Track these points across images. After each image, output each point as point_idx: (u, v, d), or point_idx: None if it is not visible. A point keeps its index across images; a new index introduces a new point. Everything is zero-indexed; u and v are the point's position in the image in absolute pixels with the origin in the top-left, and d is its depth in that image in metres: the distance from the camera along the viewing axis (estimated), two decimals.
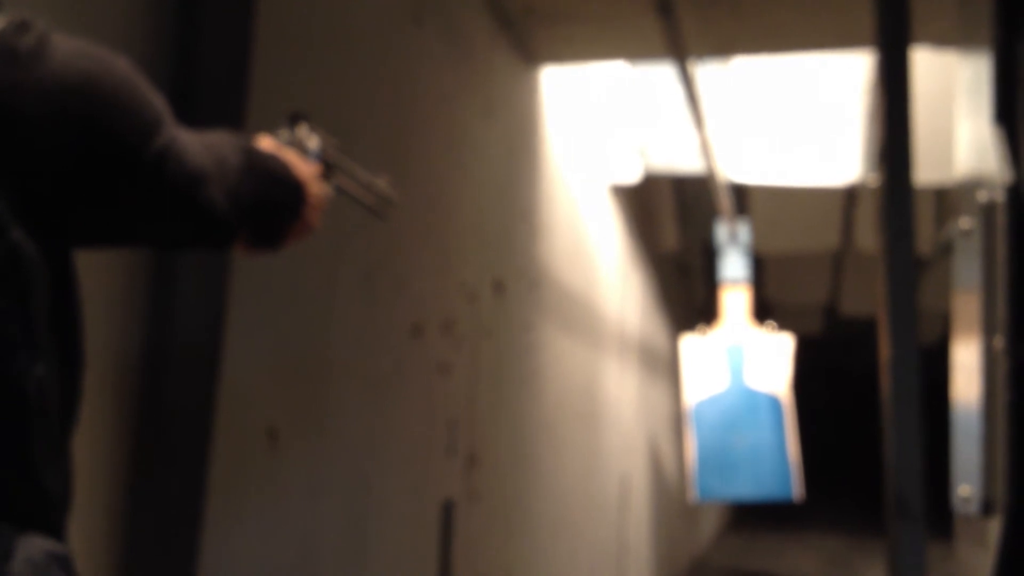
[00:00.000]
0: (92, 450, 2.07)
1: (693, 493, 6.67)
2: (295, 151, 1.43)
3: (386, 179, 1.61)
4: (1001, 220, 1.42)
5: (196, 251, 1.33)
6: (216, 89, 2.29)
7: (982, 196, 1.47)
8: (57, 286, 1.07)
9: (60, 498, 1.11)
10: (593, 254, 5.83)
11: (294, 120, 1.48)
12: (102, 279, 2.07)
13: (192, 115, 2.26)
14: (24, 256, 1.00)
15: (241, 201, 1.22)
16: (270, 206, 1.31)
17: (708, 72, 5.44)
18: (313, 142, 1.48)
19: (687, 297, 10.04)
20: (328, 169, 1.51)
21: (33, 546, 1.03)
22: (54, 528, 1.09)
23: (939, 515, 2.15)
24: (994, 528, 1.53)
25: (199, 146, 1.16)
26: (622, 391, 6.71)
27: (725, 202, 6.15)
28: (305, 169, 1.39)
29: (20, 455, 1.03)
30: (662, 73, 5.65)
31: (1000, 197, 1.43)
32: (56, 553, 1.06)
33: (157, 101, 1.10)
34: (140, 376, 2.20)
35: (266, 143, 1.39)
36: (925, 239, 6.28)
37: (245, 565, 2.37)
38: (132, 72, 1.09)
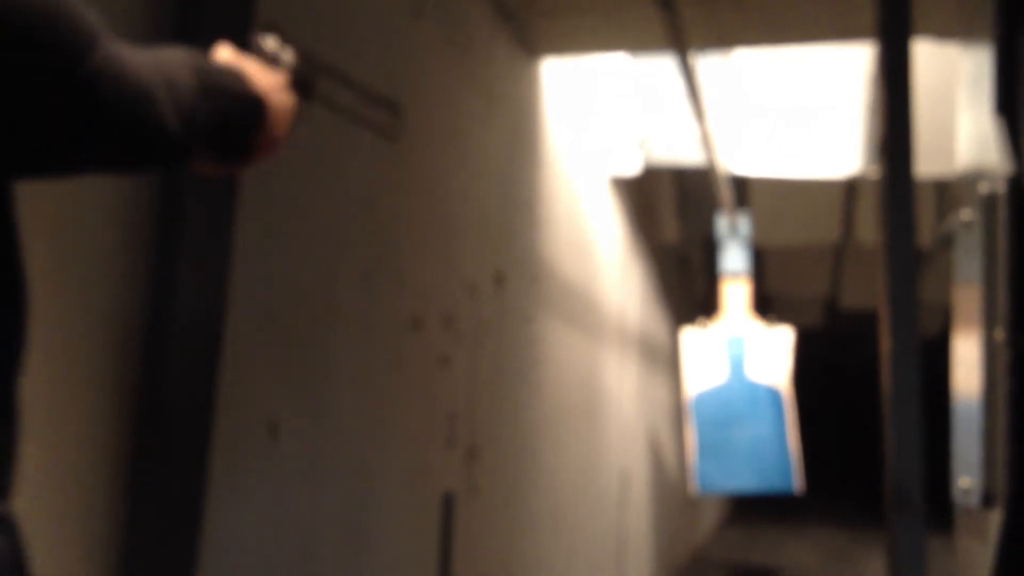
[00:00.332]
0: (92, 441, 2.07)
1: (694, 485, 6.68)
2: (261, 61, 1.35)
3: (390, 100, 1.49)
4: (1002, 211, 1.41)
5: (148, 170, 1.23)
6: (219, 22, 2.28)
7: (983, 188, 1.46)
8: None
9: (2, 454, 1.03)
10: (593, 247, 5.83)
11: (265, 30, 1.39)
12: (102, 269, 2.06)
13: None
14: None
15: (195, 122, 1.14)
16: (229, 125, 1.23)
17: (709, 64, 5.43)
18: (286, 54, 1.39)
19: (687, 290, 10.04)
20: (306, 82, 1.40)
21: None
22: None
23: (939, 509, 2.15)
24: (994, 520, 1.53)
25: (147, 66, 1.08)
26: (622, 384, 6.71)
27: (726, 194, 6.15)
28: (266, 80, 1.31)
29: None
30: (663, 65, 5.65)
31: (1001, 188, 1.42)
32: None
33: (90, 16, 1.02)
34: (140, 367, 2.20)
35: (225, 53, 1.32)
36: (925, 232, 6.28)
37: (245, 556, 2.37)
38: None
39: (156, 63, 1.11)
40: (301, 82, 1.40)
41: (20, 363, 1.07)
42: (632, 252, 7.05)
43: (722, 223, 6.93)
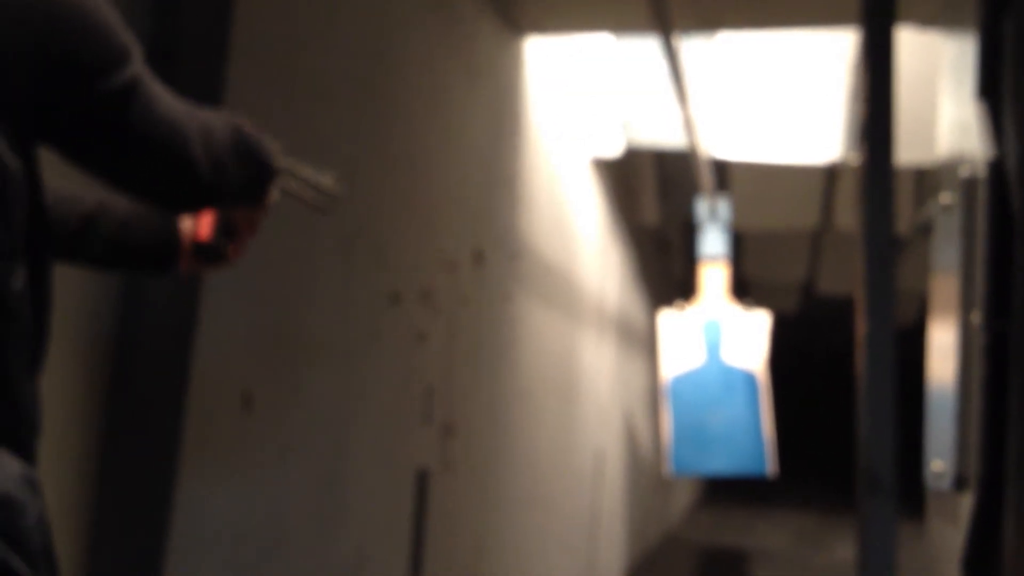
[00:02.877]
0: (65, 410, 2.06)
1: (668, 467, 6.71)
2: None
3: (332, 176, 1.57)
4: (982, 194, 1.42)
5: (179, 209, 1.31)
6: (196, 48, 2.26)
7: (964, 171, 1.47)
8: (33, 213, 1.06)
9: (33, 421, 1.10)
10: (573, 226, 5.83)
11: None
12: None
13: (172, 74, 2.24)
14: (5, 164, 0.98)
15: (226, 177, 1.20)
16: (252, 191, 1.31)
17: (693, 46, 5.42)
18: None
19: (666, 272, 10.06)
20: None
21: (9, 464, 1.02)
22: (26, 450, 1.08)
23: (909, 495, 2.17)
24: (965, 505, 1.55)
25: (179, 105, 1.14)
26: (599, 364, 6.73)
27: (706, 178, 6.15)
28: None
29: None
30: (647, 47, 5.63)
31: (982, 172, 1.42)
32: (27, 476, 1.06)
33: (128, 39, 1.07)
34: (114, 338, 2.19)
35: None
36: (904, 219, 6.30)
37: (217, 528, 2.37)
38: (100, 2, 1.06)
39: (192, 110, 1.17)
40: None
41: (44, 356, 1.13)
42: (612, 233, 7.06)
43: (702, 206, 6.93)
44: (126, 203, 1.33)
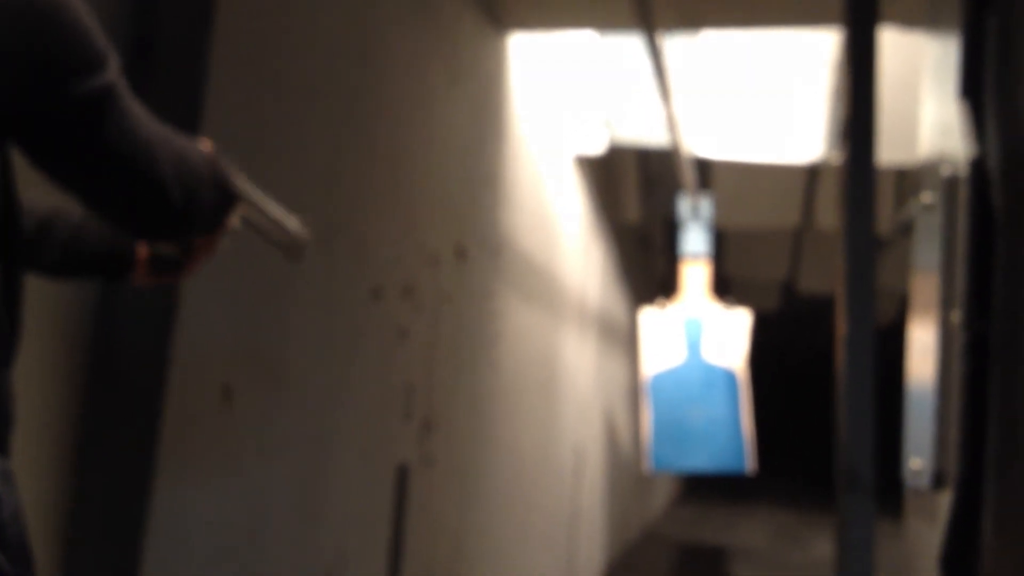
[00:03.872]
0: (42, 403, 2.04)
1: (648, 463, 6.72)
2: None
3: (298, 219, 1.55)
4: (963, 193, 1.42)
5: (145, 234, 1.29)
6: (176, 46, 2.25)
7: (945, 170, 1.47)
8: (2, 210, 1.04)
9: (5, 413, 1.10)
10: (556, 224, 5.83)
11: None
12: None
13: (154, 74, 2.23)
14: None
15: (197, 204, 1.19)
16: (215, 219, 1.31)
17: (676, 45, 5.43)
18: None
19: (648, 270, 10.07)
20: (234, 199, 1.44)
21: None
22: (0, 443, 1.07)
23: (887, 495, 2.18)
24: (944, 502, 1.55)
25: (155, 127, 1.12)
26: (580, 361, 6.73)
27: (688, 176, 6.16)
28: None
29: None
30: (630, 44, 5.64)
31: (963, 171, 1.43)
32: (2, 468, 1.07)
33: (105, 46, 1.06)
34: (92, 328, 2.17)
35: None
36: (884, 219, 6.34)
37: (196, 523, 2.36)
38: (79, 5, 1.04)
39: (169, 135, 1.15)
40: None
41: (16, 350, 1.13)
42: (594, 231, 7.06)
43: (684, 204, 6.95)
44: (80, 211, 1.31)
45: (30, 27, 0.98)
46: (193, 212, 1.19)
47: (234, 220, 1.39)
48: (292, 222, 1.53)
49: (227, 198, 1.30)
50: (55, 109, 1.02)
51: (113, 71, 1.06)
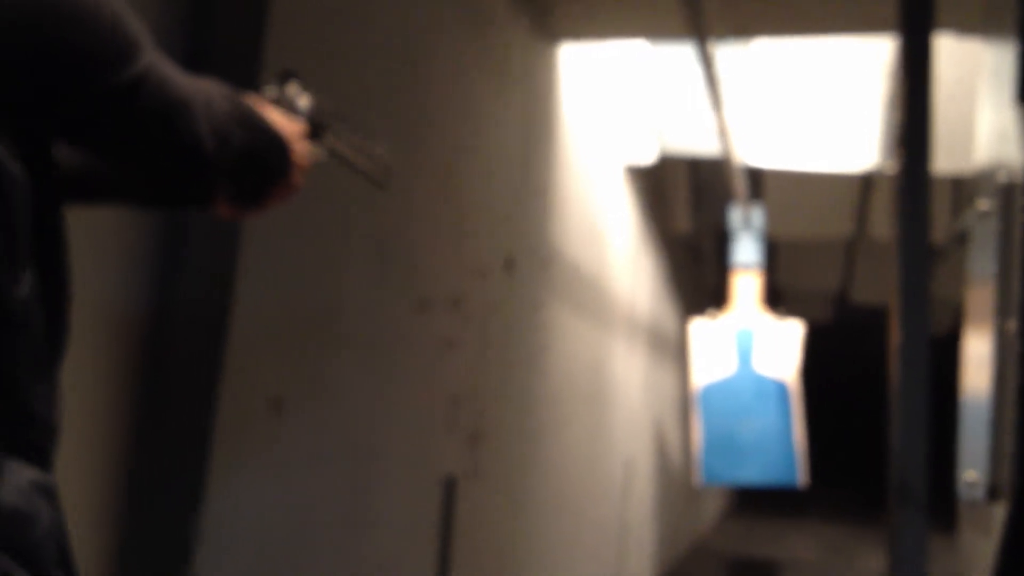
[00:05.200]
0: (96, 411, 2.07)
1: (698, 476, 6.67)
2: (281, 109, 1.37)
3: (383, 146, 1.55)
4: (1020, 200, 1.39)
5: (183, 205, 1.28)
6: (229, 58, 2.27)
7: (1002, 177, 1.44)
8: (42, 213, 1.04)
9: (47, 424, 1.06)
10: (605, 234, 5.81)
11: (283, 78, 1.42)
12: (112, 239, 2.06)
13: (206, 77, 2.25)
14: (6, 172, 0.97)
15: (229, 147, 1.17)
16: (257, 159, 1.26)
17: (727, 53, 5.40)
18: (303, 100, 1.42)
19: (698, 281, 10.01)
20: (318, 130, 1.44)
21: (17, 473, 0.99)
22: (40, 455, 1.05)
23: (940, 508, 2.14)
24: (998, 514, 1.52)
25: (188, 83, 1.11)
26: (629, 373, 6.70)
27: (740, 186, 6.12)
28: (290, 127, 1.34)
29: (4, 373, 0.99)
30: (681, 53, 5.61)
31: (1020, 178, 1.40)
32: (40, 482, 1.02)
33: (135, 24, 1.04)
34: (146, 340, 2.20)
35: (249, 99, 1.33)
36: (940, 228, 6.24)
37: (245, 532, 2.37)
38: None
39: (196, 83, 1.14)
40: (315, 129, 1.44)
41: (64, 351, 1.10)
42: (644, 241, 7.03)
43: (735, 214, 6.90)
44: None
45: (62, 27, 0.97)
46: (226, 154, 1.17)
47: (317, 151, 1.38)
48: (378, 149, 1.53)
49: (263, 134, 1.27)
50: (94, 102, 1.01)
51: (147, 52, 1.05)
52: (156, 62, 1.06)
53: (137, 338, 2.17)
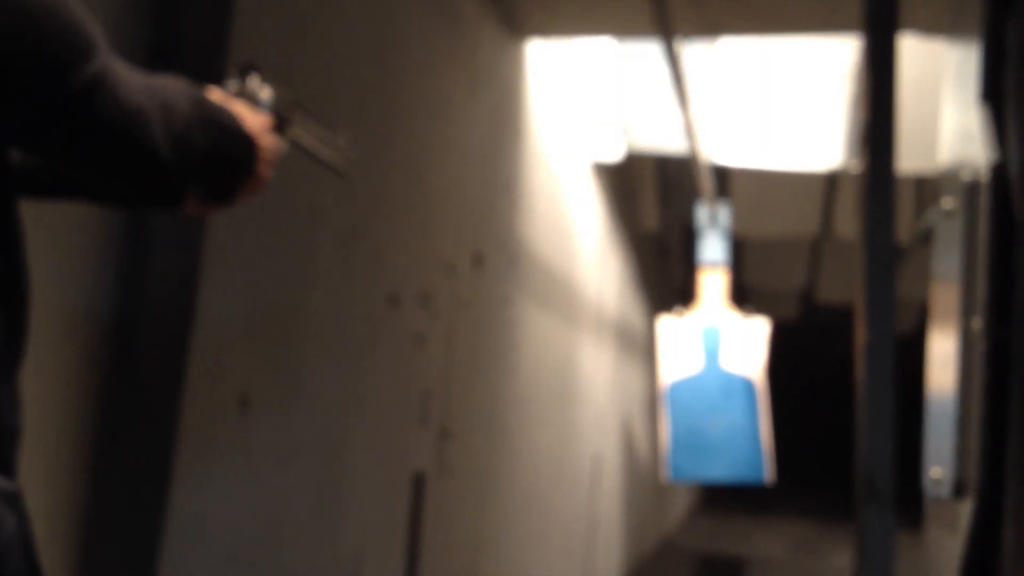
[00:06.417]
0: (60, 411, 2.04)
1: (665, 473, 6.70)
2: (244, 103, 1.36)
3: (346, 136, 1.54)
4: (984, 199, 1.41)
5: (148, 206, 1.26)
6: (194, 52, 2.25)
7: (966, 176, 1.46)
8: None
9: (9, 429, 1.05)
10: (573, 231, 5.82)
11: (245, 71, 1.40)
12: (74, 237, 2.04)
13: (169, 71, 2.23)
14: None
15: (189, 152, 1.15)
16: (221, 160, 1.24)
17: (694, 52, 5.42)
18: (265, 93, 1.40)
19: (665, 278, 10.05)
20: (281, 122, 1.42)
21: None
22: (2, 461, 1.04)
23: (906, 505, 2.15)
24: (964, 511, 1.53)
25: (144, 87, 1.09)
26: (597, 369, 6.71)
27: (707, 184, 6.14)
28: (255, 121, 1.32)
29: None
30: (648, 51, 5.63)
31: (984, 176, 1.41)
32: (3, 489, 1.01)
33: (89, 25, 1.02)
34: (110, 339, 2.18)
35: (213, 94, 1.32)
36: (904, 228, 6.30)
37: (212, 530, 2.36)
38: None
39: (153, 86, 1.12)
40: (279, 122, 1.42)
41: (22, 354, 1.09)
42: (611, 238, 7.05)
43: (702, 212, 6.93)
44: None
45: (17, 27, 0.95)
46: (186, 156, 1.15)
47: (282, 143, 1.37)
48: (340, 140, 1.53)
49: (228, 133, 1.25)
50: (48, 103, 0.99)
51: (103, 53, 1.03)
52: (112, 66, 1.04)
53: (100, 338, 2.15)
